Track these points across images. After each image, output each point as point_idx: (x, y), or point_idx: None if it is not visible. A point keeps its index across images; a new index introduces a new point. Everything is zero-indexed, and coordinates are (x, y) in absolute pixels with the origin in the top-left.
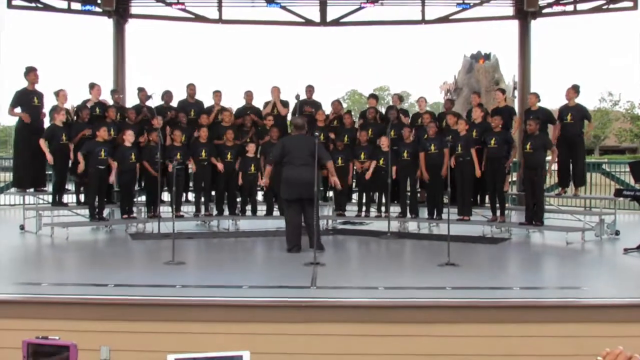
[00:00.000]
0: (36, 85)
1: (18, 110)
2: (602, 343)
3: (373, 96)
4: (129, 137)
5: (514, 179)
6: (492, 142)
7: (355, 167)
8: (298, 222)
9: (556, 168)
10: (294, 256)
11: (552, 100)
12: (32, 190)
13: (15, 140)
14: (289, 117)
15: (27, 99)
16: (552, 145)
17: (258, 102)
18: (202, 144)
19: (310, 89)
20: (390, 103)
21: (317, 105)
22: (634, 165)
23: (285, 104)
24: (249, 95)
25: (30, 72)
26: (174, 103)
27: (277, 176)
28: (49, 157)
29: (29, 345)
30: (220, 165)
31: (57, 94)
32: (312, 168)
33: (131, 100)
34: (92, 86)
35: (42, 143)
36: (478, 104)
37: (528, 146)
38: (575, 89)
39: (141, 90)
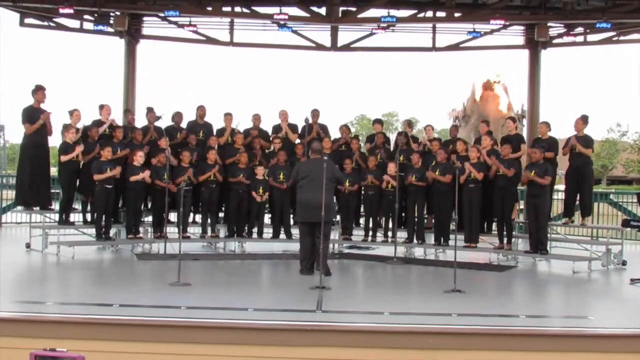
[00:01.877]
0: (42, 104)
1: (38, 122)
2: None
3: (378, 121)
4: (139, 158)
5: (522, 207)
6: (501, 170)
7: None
8: (312, 244)
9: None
10: (300, 279)
11: (560, 130)
12: (37, 208)
13: (21, 158)
14: (298, 141)
15: (33, 117)
16: (550, 174)
17: (266, 125)
18: (210, 165)
19: (315, 113)
20: (400, 129)
21: (324, 129)
22: None
23: (294, 128)
24: (256, 118)
25: (39, 91)
26: (183, 124)
27: (287, 200)
28: (79, 150)
29: (36, 357)
30: (243, 180)
31: (71, 113)
32: (329, 191)
33: (140, 120)
34: (102, 107)
35: (65, 158)
36: (487, 131)
37: (532, 174)
38: (584, 120)
39: (150, 110)
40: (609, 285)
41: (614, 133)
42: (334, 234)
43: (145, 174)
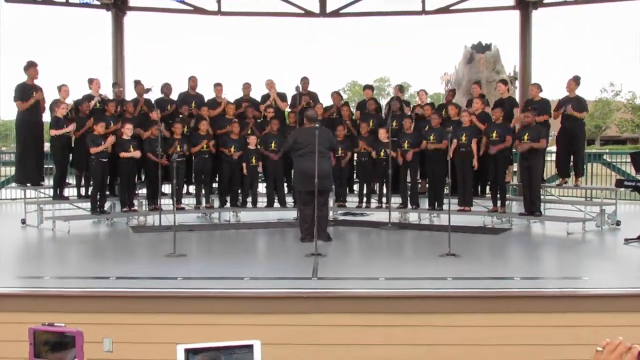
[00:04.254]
0: (35, 80)
1: (29, 101)
2: (601, 333)
3: (369, 87)
4: (127, 131)
5: (515, 169)
6: (494, 134)
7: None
8: (312, 212)
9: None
10: (296, 247)
11: (552, 91)
12: (30, 185)
13: (16, 136)
14: (288, 110)
15: (27, 93)
16: (545, 137)
17: (256, 94)
18: (202, 136)
19: (305, 81)
20: (392, 94)
21: (314, 97)
22: (635, 156)
23: (283, 97)
24: (247, 87)
25: (31, 67)
26: (174, 95)
27: (280, 169)
28: (71, 128)
29: (35, 332)
30: (237, 154)
31: (59, 88)
32: (327, 159)
33: (130, 93)
34: (91, 81)
35: (54, 132)
36: (479, 94)
37: (525, 137)
38: (575, 80)
39: (138, 83)
40: (603, 246)
41: (607, 93)
42: (330, 201)
43: (136, 154)
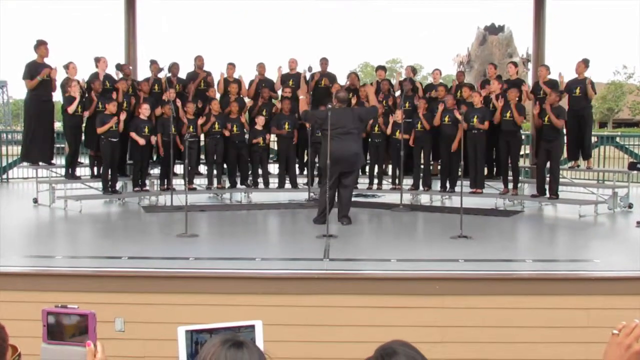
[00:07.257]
0: (45, 59)
1: (36, 79)
2: (613, 315)
3: (381, 68)
4: (144, 111)
5: (527, 151)
6: (507, 115)
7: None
8: (333, 194)
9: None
10: (307, 228)
11: (566, 73)
12: (40, 164)
13: (25, 114)
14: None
15: (36, 72)
16: (564, 117)
17: (270, 75)
18: (214, 116)
19: (324, 62)
20: (403, 75)
21: (332, 78)
22: None
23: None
24: (261, 67)
25: (41, 46)
26: (183, 75)
27: (293, 150)
28: (76, 90)
29: (48, 314)
30: (226, 133)
31: (67, 66)
32: (357, 139)
33: (143, 73)
34: (98, 60)
35: (72, 109)
36: (496, 75)
37: (546, 118)
38: (585, 63)
39: (153, 62)
40: (615, 229)
41: (620, 75)
42: None
43: (141, 141)
